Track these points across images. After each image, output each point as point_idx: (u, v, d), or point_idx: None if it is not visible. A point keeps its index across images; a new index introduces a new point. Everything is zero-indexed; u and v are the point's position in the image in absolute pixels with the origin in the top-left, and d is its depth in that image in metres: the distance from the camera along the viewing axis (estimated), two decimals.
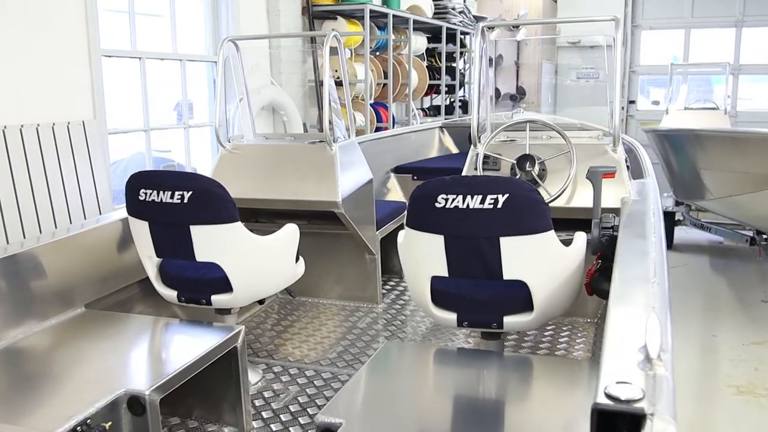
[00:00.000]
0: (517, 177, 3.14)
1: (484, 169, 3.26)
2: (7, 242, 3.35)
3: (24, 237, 3.44)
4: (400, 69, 6.98)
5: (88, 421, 1.92)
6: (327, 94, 3.44)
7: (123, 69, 4.52)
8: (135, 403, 2.05)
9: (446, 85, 8.40)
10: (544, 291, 2.29)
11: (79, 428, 1.87)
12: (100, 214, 3.81)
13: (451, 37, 8.29)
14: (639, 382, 1.26)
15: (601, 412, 1.20)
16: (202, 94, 5.42)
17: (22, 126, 3.46)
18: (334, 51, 6.50)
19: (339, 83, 6.22)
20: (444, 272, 2.33)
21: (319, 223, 4.00)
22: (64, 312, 2.76)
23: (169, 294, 2.86)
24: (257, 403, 2.93)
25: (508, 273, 2.24)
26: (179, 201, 2.55)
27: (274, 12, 5.64)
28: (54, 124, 3.64)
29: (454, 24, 8.19)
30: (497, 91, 12.14)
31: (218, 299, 2.79)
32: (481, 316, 2.38)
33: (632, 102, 12.11)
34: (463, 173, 3.32)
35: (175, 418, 2.77)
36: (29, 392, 2.19)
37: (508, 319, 2.36)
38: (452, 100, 8.89)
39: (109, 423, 1.97)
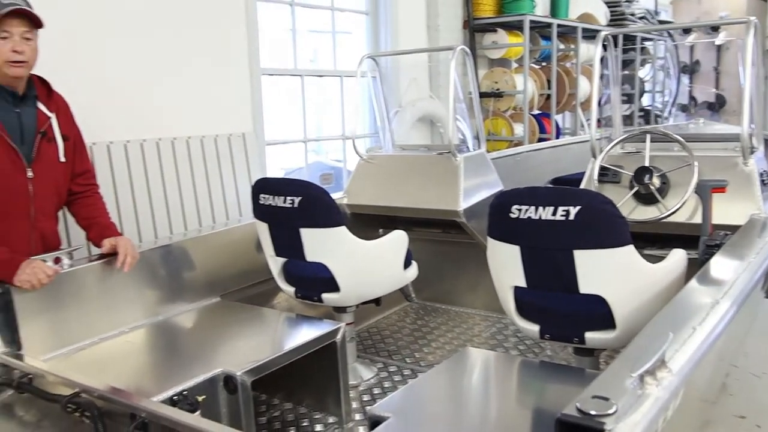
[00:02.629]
0: (635, 190, 3.01)
1: (602, 182, 3.16)
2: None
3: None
4: (567, 79, 6.83)
5: (185, 392, 2.20)
6: (452, 108, 3.54)
7: (289, 83, 4.96)
8: (229, 381, 2.32)
9: (624, 95, 8.03)
10: (625, 308, 2.21)
11: (175, 397, 2.16)
12: None
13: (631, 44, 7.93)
14: (619, 399, 1.24)
15: (562, 423, 1.21)
16: (363, 107, 5.75)
17: (189, 137, 3.98)
18: (501, 63, 6.56)
19: (499, 94, 6.29)
20: (522, 283, 2.34)
21: (452, 232, 4.10)
22: (203, 299, 3.15)
23: (289, 290, 3.14)
24: (365, 398, 3.11)
25: (585, 287, 2.20)
26: (290, 206, 2.81)
27: (434, 27, 5.83)
28: (217, 135, 4.14)
29: (633, 31, 7.82)
30: (693, 99, 11.31)
31: (328, 297, 3.01)
32: (562, 330, 2.35)
33: None
34: (582, 185, 3.25)
35: (289, 403, 3.03)
36: (156, 361, 2.59)
37: (590, 335, 2.30)
38: (631, 109, 8.48)
39: (204, 396, 2.24)
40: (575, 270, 2.18)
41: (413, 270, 3.25)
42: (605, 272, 2.17)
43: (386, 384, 3.24)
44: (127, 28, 3.72)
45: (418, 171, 3.78)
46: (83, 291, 2.66)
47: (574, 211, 2.10)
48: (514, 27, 6.23)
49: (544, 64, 6.83)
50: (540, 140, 6.44)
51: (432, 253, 4.29)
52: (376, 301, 3.24)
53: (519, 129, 6.24)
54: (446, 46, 4.83)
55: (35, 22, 2.44)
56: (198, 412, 2.14)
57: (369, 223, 4.07)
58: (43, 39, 2.99)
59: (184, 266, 3.13)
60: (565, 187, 2.22)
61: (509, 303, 2.46)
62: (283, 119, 5.11)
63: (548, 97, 6.67)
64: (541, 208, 2.15)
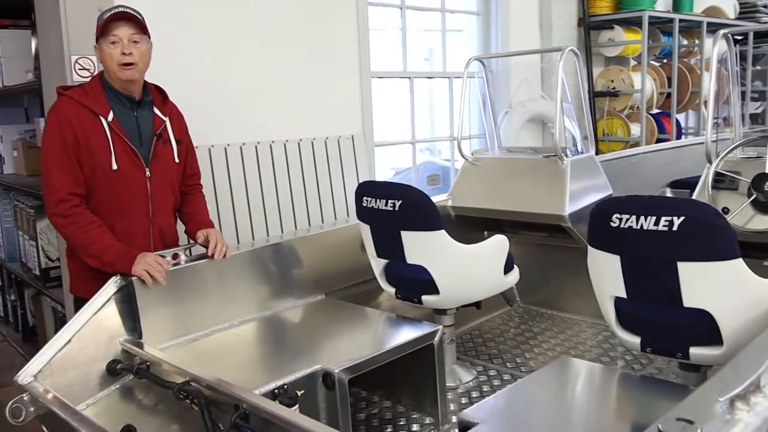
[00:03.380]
0: (752, 198, 2.84)
1: (718, 188, 3.00)
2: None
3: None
4: (690, 76, 6.49)
5: (285, 386, 2.31)
6: (559, 110, 3.47)
7: (399, 84, 5.04)
8: (327, 378, 2.41)
9: (755, 92, 7.52)
10: (733, 324, 2.10)
11: (276, 390, 2.27)
12: None
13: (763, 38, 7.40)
14: (705, 423, 1.20)
15: None
16: (473, 108, 5.73)
17: (300, 140, 4.14)
18: (618, 61, 6.34)
19: (615, 93, 6.07)
20: (623, 293, 2.27)
21: (559, 236, 4.02)
22: (309, 297, 3.27)
23: (390, 290, 3.21)
24: (463, 400, 3.12)
25: (689, 300, 2.11)
26: (392, 209, 2.87)
27: (546, 26, 5.72)
28: (327, 138, 4.27)
29: (766, 24, 7.31)
30: None
31: (427, 299, 3.05)
32: (665, 343, 2.26)
33: None
34: (695, 192, 3.10)
35: (388, 401, 3.10)
36: (261, 354, 2.71)
37: (694, 351, 2.20)
38: (762, 107, 7.92)
39: (302, 391, 2.34)
40: (679, 283, 2.09)
41: (514, 275, 3.23)
42: (711, 286, 2.07)
43: (485, 388, 3.24)
44: (241, 36, 3.92)
45: (523, 174, 3.74)
46: (198, 285, 2.84)
47: (677, 221, 2.02)
48: (632, 23, 5.99)
49: (665, 61, 6.52)
50: (659, 141, 6.17)
51: (538, 257, 4.23)
52: (477, 305, 3.24)
53: (636, 129, 6.00)
54: (554, 47, 4.73)
55: (141, 26, 2.60)
56: (296, 406, 2.23)
57: (474, 225, 4.07)
58: (165, 49, 3.22)
59: (293, 264, 3.26)
60: (669, 197, 2.14)
61: (610, 313, 2.40)
62: (393, 120, 5.20)
63: (669, 95, 6.36)
64: (642, 218, 2.09)
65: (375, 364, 2.54)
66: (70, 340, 2.50)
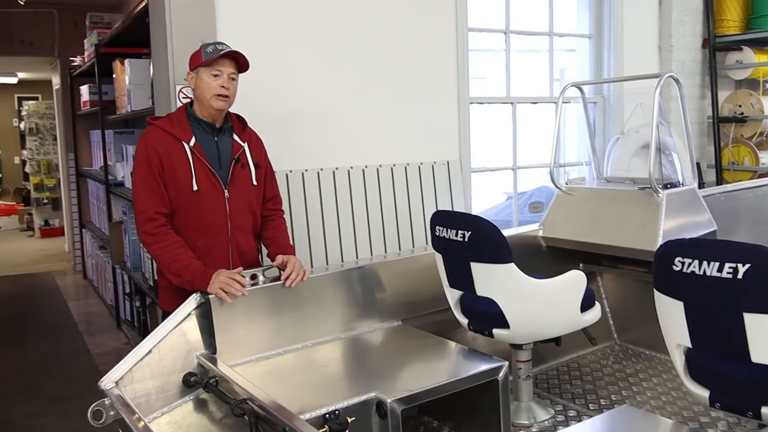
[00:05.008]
0: None
1: None
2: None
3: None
4: None
5: (337, 412, 2.35)
6: (654, 138, 3.30)
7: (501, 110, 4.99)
8: (381, 407, 2.42)
9: None
10: None
11: (327, 415, 2.32)
12: None
13: None
14: None
15: None
16: (582, 134, 5.55)
17: (393, 165, 4.20)
18: (748, 84, 5.90)
19: (742, 119, 5.65)
20: (687, 342, 2.12)
21: None
22: (385, 322, 3.29)
23: (463, 321, 3.17)
24: None
25: (758, 356, 1.93)
26: (461, 239, 2.85)
27: (665, 48, 5.44)
28: (421, 163, 4.31)
29: None
30: None
31: (498, 333, 2.99)
32: (735, 400, 2.08)
33: None
34: None
35: None
36: (323, 377, 2.74)
37: (767, 411, 2.01)
38: None
39: (353, 418, 2.37)
40: (746, 335, 1.93)
41: (593, 313, 3.08)
42: None
43: (560, 428, 3.11)
44: (338, 62, 4.02)
45: (617, 206, 3.58)
46: (274, 306, 2.93)
47: (742, 269, 1.87)
48: (763, 43, 5.57)
49: None
50: None
51: (638, 293, 4.01)
52: (556, 341, 3.13)
53: (766, 158, 5.55)
54: (652, 74, 4.50)
55: (241, 66, 2.81)
56: None
57: (569, 257, 3.92)
58: (263, 77, 3.36)
59: (373, 288, 3.28)
60: (734, 242, 1.97)
61: (678, 362, 2.25)
62: (498, 145, 5.13)
63: None
64: (705, 263, 1.95)
65: (431, 396, 2.52)
66: (150, 351, 2.68)
